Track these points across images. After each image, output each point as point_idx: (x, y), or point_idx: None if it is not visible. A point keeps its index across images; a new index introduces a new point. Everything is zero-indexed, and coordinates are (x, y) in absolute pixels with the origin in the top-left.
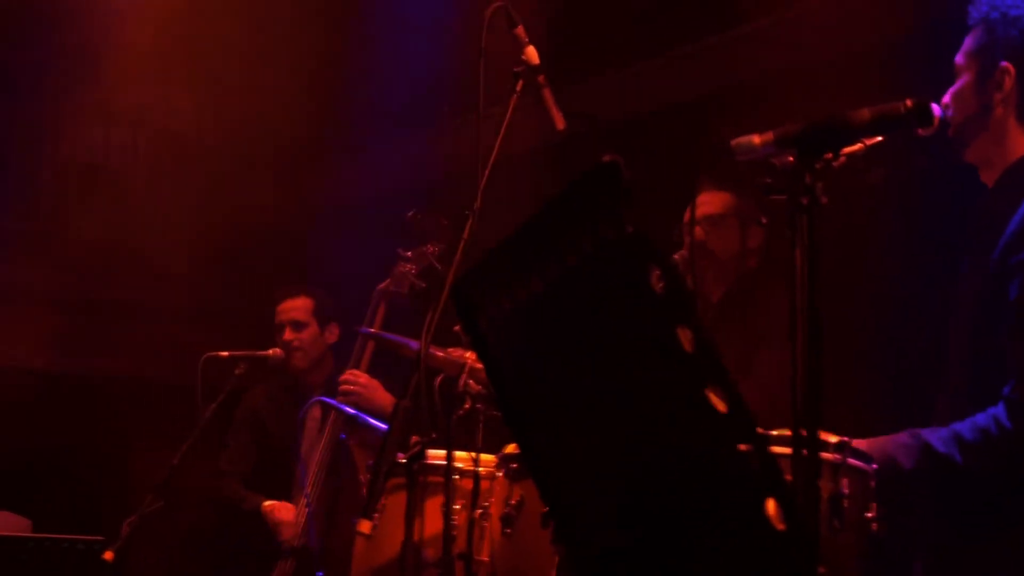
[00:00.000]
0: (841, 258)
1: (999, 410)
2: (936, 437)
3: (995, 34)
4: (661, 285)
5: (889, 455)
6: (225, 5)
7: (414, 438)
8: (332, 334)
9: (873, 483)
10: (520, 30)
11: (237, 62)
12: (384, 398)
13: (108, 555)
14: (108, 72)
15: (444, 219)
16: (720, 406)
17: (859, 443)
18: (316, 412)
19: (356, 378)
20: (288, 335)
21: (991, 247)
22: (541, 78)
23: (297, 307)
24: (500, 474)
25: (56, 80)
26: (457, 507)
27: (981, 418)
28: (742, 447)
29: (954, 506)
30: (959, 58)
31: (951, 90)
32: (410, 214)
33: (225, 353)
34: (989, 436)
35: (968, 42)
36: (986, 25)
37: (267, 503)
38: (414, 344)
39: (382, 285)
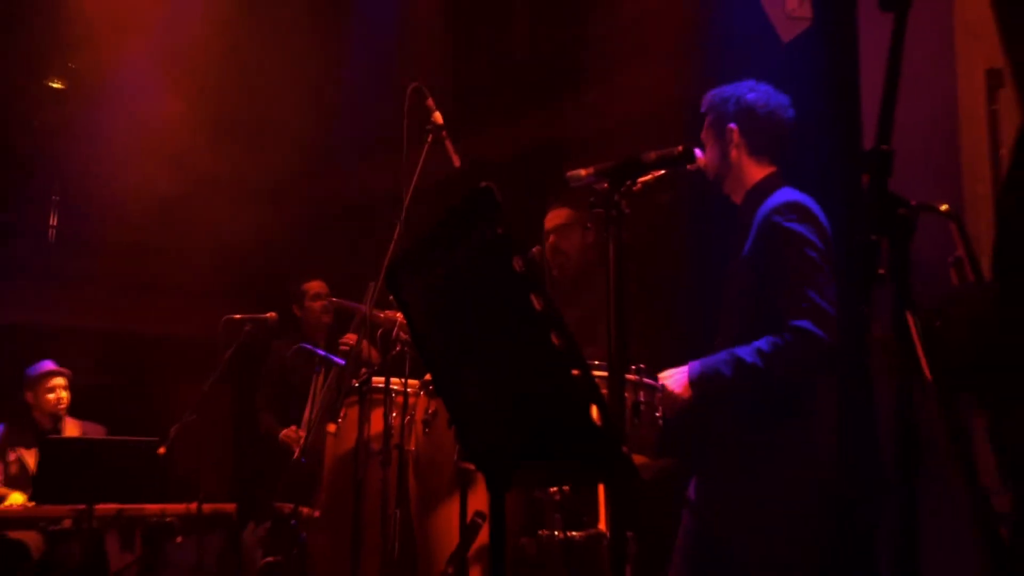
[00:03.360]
0: (648, 253)
1: (781, 333)
2: (743, 352)
3: (717, 112)
4: (521, 267)
5: (714, 367)
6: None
7: (363, 370)
8: None
9: (659, 395)
10: (430, 101)
11: (259, 105)
12: (371, 354)
13: (161, 450)
14: (157, 119)
15: None
16: (559, 344)
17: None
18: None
19: (351, 340)
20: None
21: (743, 245)
22: (444, 133)
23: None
24: (422, 393)
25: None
26: (393, 415)
27: (771, 337)
28: (575, 372)
29: (742, 405)
30: (702, 135)
31: (705, 156)
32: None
33: (238, 316)
34: (778, 347)
35: (705, 123)
36: (711, 108)
37: (284, 432)
38: (363, 308)
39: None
